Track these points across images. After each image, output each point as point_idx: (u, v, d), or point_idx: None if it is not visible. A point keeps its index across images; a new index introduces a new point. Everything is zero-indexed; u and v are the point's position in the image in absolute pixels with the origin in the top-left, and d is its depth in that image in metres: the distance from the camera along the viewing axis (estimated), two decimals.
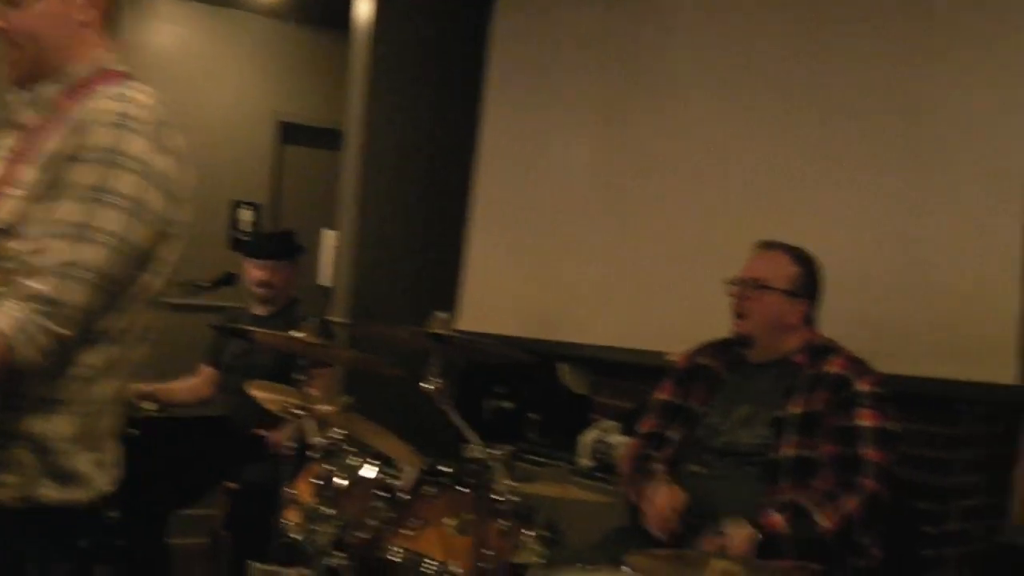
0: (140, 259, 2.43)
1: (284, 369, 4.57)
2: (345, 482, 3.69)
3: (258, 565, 3.60)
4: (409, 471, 3.62)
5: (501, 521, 3.46)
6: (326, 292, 7.31)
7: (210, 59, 8.39)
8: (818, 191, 5.02)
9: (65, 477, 2.44)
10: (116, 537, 5.51)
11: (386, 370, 3.98)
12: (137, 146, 2.37)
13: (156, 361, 6.08)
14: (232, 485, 5.42)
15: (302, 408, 3.87)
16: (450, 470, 3.63)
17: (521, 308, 6.38)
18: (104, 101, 2.41)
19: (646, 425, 4.34)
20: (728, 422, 4.09)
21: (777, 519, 3.74)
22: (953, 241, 4.55)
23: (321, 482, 3.69)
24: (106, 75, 2.55)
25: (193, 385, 6.01)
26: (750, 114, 5.36)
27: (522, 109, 6.61)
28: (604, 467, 5.12)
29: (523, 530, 3.51)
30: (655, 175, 5.76)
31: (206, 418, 5.70)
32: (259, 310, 5.85)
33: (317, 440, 3.81)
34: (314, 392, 5.22)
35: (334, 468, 3.72)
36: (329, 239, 7.41)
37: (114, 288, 2.37)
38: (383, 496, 3.62)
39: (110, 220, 2.33)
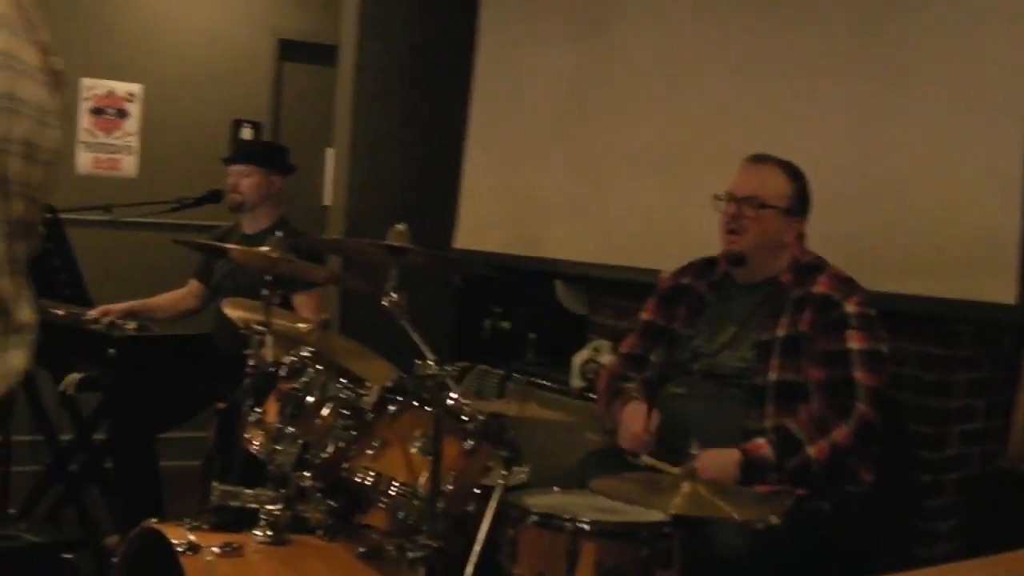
0: None
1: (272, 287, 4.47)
2: (310, 401, 3.59)
3: (219, 485, 3.50)
4: (374, 390, 3.51)
5: (468, 441, 3.37)
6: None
7: None
8: (791, 103, 4.86)
9: None
10: (105, 459, 5.52)
11: (353, 286, 3.88)
12: None
13: (147, 279, 6.10)
14: (222, 405, 5.34)
15: (266, 326, 3.76)
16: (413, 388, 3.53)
17: (515, 225, 6.28)
18: None
19: (627, 346, 4.26)
20: (711, 344, 4.00)
21: (762, 444, 3.64)
22: (927, 153, 4.40)
23: (285, 401, 3.60)
24: None
25: (176, 296, 5.92)
26: (726, 25, 5.21)
27: (515, 20, 6.46)
28: (595, 388, 5.02)
29: (492, 450, 3.41)
30: (638, 89, 5.62)
31: (187, 336, 5.61)
32: (248, 228, 5.72)
33: (284, 359, 3.72)
34: (302, 310, 5.18)
35: (299, 387, 3.62)
36: (331, 158, 7.31)
37: None
38: (346, 415, 3.52)
39: None
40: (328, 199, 7.53)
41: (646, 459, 3.66)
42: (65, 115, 2.43)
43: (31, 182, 2.27)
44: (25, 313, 2.33)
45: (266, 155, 5.85)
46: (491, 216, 6.47)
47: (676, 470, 3.09)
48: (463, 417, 3.35)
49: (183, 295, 5.93)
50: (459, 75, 6.65)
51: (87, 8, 7.75)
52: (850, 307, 3.77)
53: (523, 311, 6.34)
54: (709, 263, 4.17)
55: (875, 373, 3.71)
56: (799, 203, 3.99)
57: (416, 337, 3.24)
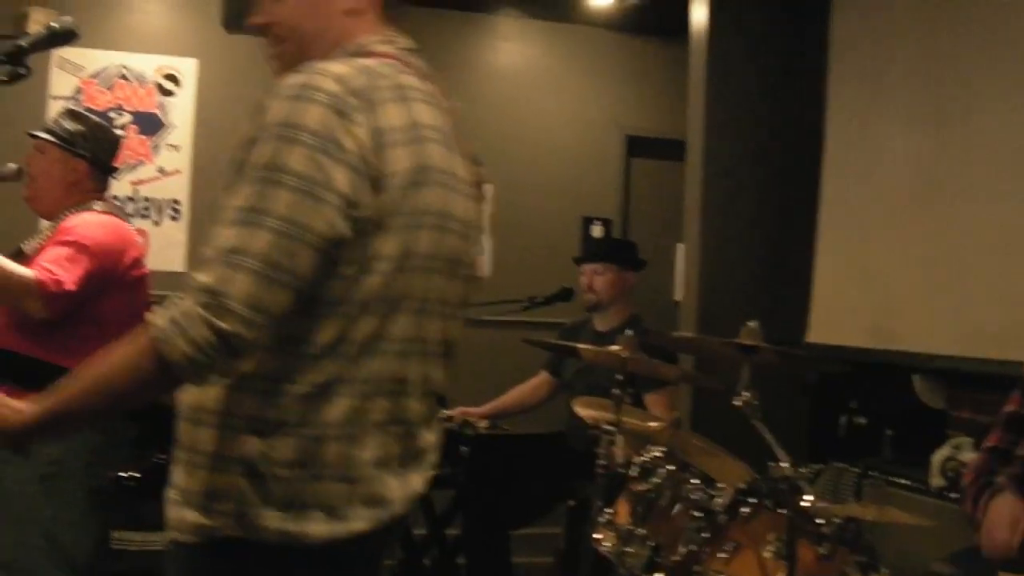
0: (329, 249, 2.03)
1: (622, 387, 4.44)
2: (661, 502, 3.55)
3: None
4: (727, 491, 3.44)
5: (823, 545, 3.26)
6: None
7: (553, 75, 8.41)
8: None
9: (287, 506, 2.10)
10: (457, 555, 5.62)
11: (704, 384, 3.83)
12: (313, 117, 2.03)
13: (498, 376, 6.19)
14: (572, 503, 5.35)
15: (616, 425, 3.75)
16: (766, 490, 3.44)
17: (870, 317, 6.10)
18: (291, 76, 2.10)
19: (992, 439, 4.05)
20: None
21: None
22: None
23: (636, 502, 3.56)
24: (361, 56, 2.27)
25: (525, 391, 6.04)
26: None
27: (863, 107, 6.31)
28: (956, 487, 4.81)
29: (848, 555, 3.29)
30: (994, 170, 5.38)
31: (538, 435, 5.65)
32: (600, 325, 5.74)
33: (635, 458, 3.69)
34: (654, 408, 5.14)
35: (650, 487, 3.58)
36: (682, 253, 7.29)
37: (291, 280, 1.99)
38: (698, 517, 3.45)
39: (278, 201, 1.98)
40: (679, 295, 7.50)
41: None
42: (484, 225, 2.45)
43: (448, 299, 2.28)
44: (427, 437, 2.35)
45: (618, 252, 5.88)
46: (844, 309, 6.33)
47: None
48: (818, 520, 3.25)
49: (533, 388, 6.02)
50: (807, 166, 6.56)
51: None
52: None
53: (879, 406, 6.16)
54: None
55: None
56: None
57: (769, 438, 3.17)
